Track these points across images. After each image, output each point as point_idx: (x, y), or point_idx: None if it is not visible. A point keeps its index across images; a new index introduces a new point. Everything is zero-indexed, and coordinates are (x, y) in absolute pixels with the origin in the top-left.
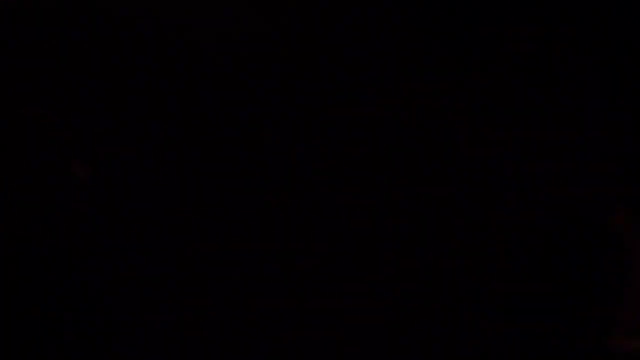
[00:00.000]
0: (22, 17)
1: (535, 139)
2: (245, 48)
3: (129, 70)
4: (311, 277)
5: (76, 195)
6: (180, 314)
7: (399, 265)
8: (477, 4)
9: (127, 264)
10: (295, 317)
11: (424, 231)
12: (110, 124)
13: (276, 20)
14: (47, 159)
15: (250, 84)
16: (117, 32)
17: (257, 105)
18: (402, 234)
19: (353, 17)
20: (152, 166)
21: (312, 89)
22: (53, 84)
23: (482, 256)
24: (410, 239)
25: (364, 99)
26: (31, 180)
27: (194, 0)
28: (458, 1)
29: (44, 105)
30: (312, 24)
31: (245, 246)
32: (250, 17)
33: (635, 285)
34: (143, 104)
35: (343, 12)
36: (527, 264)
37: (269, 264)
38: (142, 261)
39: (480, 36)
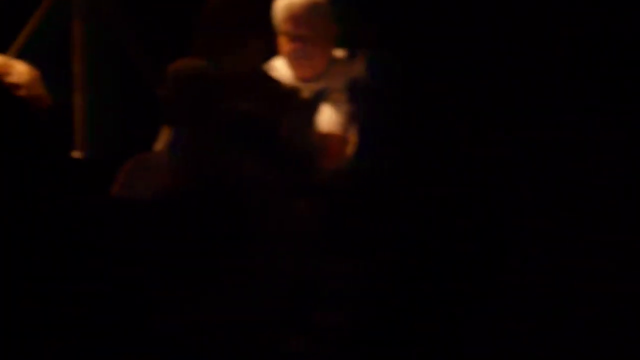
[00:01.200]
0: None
1: (535, 139)
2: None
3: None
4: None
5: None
6: (180, 314)
7: (399, 265)
8: (477, 4)
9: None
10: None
11: (423, 231)
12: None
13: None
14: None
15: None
16: None
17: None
18: (402, 234)
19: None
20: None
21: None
22: None
23: (482, 256)
24: (410, 239)
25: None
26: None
27: None
28: (458, 1)
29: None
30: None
31: (246, 246)
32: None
33: None
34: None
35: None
36: (526, 263)
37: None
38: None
39: (481, 36)
